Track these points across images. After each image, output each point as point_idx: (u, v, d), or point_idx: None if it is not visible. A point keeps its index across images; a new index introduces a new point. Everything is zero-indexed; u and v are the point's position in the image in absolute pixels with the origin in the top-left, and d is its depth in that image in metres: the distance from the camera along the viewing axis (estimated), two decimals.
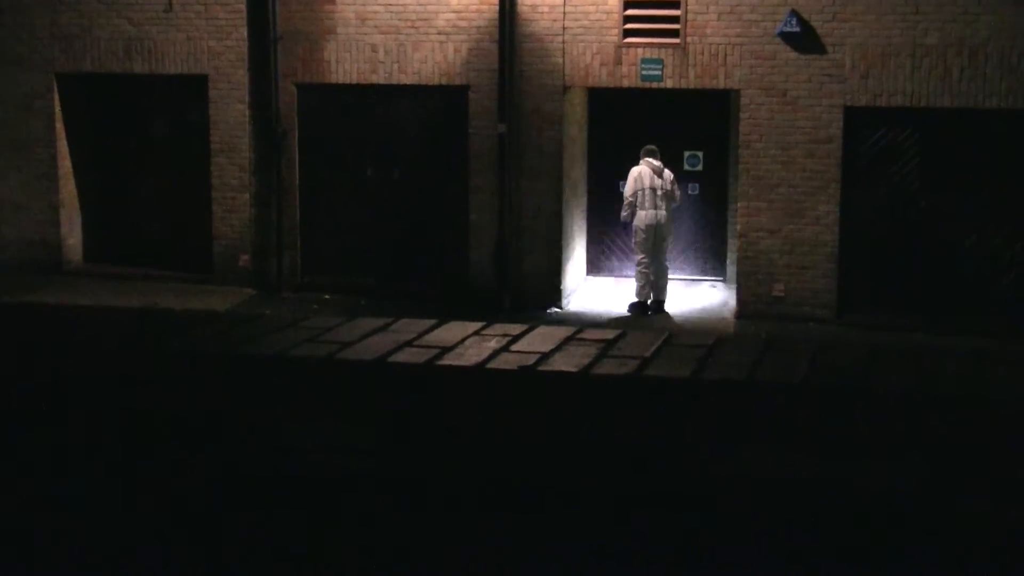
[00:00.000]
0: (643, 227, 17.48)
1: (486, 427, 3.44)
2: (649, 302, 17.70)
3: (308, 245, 18.97)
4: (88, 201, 20.06)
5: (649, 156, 17.59)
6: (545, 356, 3.59)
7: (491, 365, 3.54)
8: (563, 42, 17.72)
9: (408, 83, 18.29)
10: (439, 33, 18.10)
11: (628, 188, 17.56)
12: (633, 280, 17.88)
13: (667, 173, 17.61)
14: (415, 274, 18.51)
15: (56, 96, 19.44)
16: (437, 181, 18.60)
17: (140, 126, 20.27)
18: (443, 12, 18.04)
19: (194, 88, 19.21)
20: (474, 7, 17.94)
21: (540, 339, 3.76)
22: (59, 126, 19.52)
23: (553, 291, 18.06)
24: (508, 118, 17.85)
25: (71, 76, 19.48)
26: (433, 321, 3.99)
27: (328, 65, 18.46)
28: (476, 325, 3.92)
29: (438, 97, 18.45)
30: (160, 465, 3.60)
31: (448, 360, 3.58)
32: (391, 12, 18.17)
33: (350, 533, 3.49)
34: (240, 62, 18.69)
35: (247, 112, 18.75)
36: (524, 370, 3.49)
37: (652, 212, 17.46)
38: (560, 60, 17.77)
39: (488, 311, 17.33)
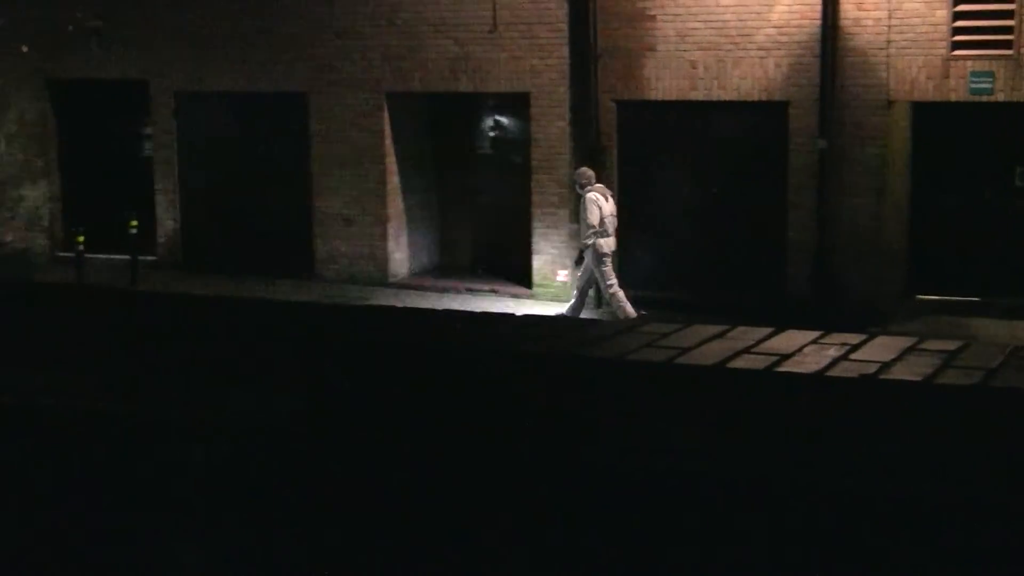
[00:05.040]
0: (609, 253, 17.45)
1: (824, 434, 3.43)
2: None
3: (626, 260, 19.10)
4: (413, 216, 20.78)
5: (596, 182, 17.58)
6: (886, 365, 3.55)
7: (831, 373, 3.53)
8: (887, 56, 17.34)
9: (727, 99, 18.22)
10: (759, 49, 17.98)
11: (593, 215, 17.22)
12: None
13: (611, 198, 17.66)
14: (731, 289, 18.41)
15: (385, 114, 20.19)
16: (755, 197, 18.47)
17: (464, 143, 20.95)
18: (764, 28, 17.92)
19: (517, 105, 19.70)
20: (795, 22, 17.76)
21: (880, 348, 3.72)
22: (388, 143, 20.25)
23: (872, 308, 17.65)
24: (829, 133, 17.58)
25: (399, 95, 20.21)
26: (770, 329, 4.00)
27: (647, 82, 18.57)
28: (814, 333, 3.91)
29: (757, 113, 18.32)
30: (495, 459, 3.72)
31: (787, 367, 3.58)
32: (711, 28, 18.16)
33: (684, 531, 3.53)
34: (561, 79, 19.00)
35: (567, 129, 19.04)
36: (865, 378, 3.46)
37: (612, 239, 17.51)
38: (884, 74, 17.39)
39: (806, 327, 17.08)
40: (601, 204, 17.40)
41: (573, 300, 17.96)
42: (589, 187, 17.53)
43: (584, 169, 17.88)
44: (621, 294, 17.60)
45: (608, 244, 17.50)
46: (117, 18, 21.27)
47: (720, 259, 18.61)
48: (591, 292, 18.13)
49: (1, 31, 22.09)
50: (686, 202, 18.88)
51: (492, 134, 20.93)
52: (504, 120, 20.66)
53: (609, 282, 17.61)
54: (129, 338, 4.62)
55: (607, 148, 18.91)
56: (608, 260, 17.57)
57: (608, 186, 18.69)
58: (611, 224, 17.52)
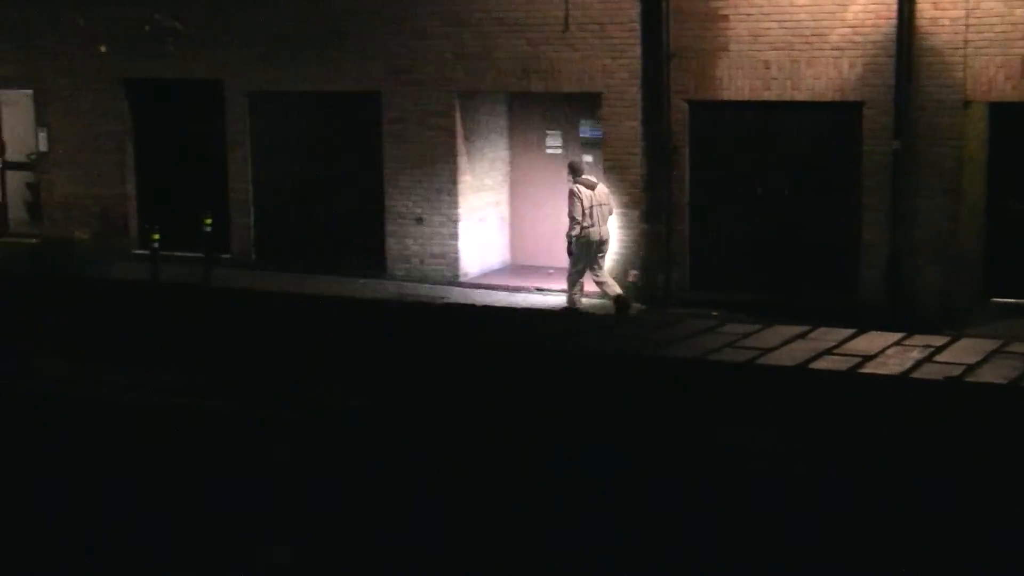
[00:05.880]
0: (591, 243, 17.85)
1: (908, 435, 3.42)
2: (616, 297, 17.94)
3: (696, 261, 19.07)
4: (484, 215, 20.87)
5: (582, 174, 18.07)
6: (971, 368, 3.53)
7: (915, 375, 3.52)
8: (964, 56, 17.16)
9: (801, 100, 18.12)
10: (833, 48, 17.86)
11: (576, 209, 17.76)
12: None
13: (600, 187, 18.11)
14: (803, 291, 18.30)
15: (457, 114, 20.27)
16: (828, 198, 18.35)
17: (533, 143, 21.04)
18: (838, 27, 17.80)
19: (589, 105, 19.75)
20: (871, 22, 17.63)
21: (965, 351, 3.71)
22: (459, 142, 20.33)
23: (946, 311, 17.49)
24: (904, 134, 17.43)
25: (470, 94, 20.28)
26: (852, 330, 3.99)
27: (720, 82, 18.51)
28: (896, 335, 3.90)
29: (831, 113, 18.21)
30: (576, 455, 3.74)
31: (870, 368, 3.58)
32: (785, 28, 18.07)
33: (765, 532, 3.53)
34: (633, 80, 18.98)
35: (639, 129, 19.02)
36: (950, 381, 3.45)
37: (599, 228, 17.93)
38: (960, 74, 17.22)
39: (880, 329, 16.93)
40: (582, 196, 17.85)
41: (603, 293, 18.21)
42: (574, 179, 18.01)
43: (573, 160, 18.61)
44: (577, 286, 18.11)
45: (594, 234, 17.93)
46: (193, 19, 21.52)
47: (793, 260, 18.51)
48: (590, 277, 18.30)
49: (80, 32, 22.41)
50: (758, 203, 18.79)
51: (564, 134, 20.97)
52: (575, 120, 20.70)
53: (576, 268, 18.07)
54: (227, 334, 4.69)
55: (679, 148, 18.86)
56: (586, 249, 17.91)
57: (678, 186, 18.69)
58: (599, 214, 18.00)
